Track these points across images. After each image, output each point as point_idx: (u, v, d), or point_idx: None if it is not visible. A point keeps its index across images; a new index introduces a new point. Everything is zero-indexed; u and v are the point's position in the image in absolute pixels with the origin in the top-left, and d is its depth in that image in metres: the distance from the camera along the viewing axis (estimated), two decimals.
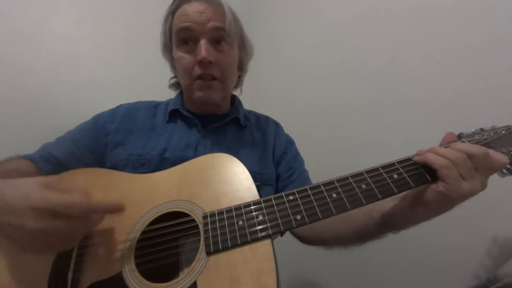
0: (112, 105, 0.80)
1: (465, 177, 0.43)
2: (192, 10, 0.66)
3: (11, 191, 0.42)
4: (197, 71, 0.66)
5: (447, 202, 0.45)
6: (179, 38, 0.69)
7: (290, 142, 0.84)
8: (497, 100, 0.76)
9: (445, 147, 0.48)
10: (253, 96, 1.83)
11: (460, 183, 0.43)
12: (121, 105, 0.79)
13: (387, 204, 0.54)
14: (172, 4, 0.71)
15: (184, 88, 0.75)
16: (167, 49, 0.76)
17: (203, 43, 0.65)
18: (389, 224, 0.54)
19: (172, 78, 0.84)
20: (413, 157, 0.49)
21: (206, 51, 0.64)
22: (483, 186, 0.45)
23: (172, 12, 0.71)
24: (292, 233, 0.71)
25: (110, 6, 1.37)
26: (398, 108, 1.00)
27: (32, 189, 0.41)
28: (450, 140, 0.51)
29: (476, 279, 0.73)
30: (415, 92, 0.95)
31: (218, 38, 0.68)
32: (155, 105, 0.80)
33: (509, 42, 0.75)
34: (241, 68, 0.80)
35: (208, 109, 0.77)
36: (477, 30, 0.81)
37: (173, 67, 0.78)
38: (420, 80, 0.94)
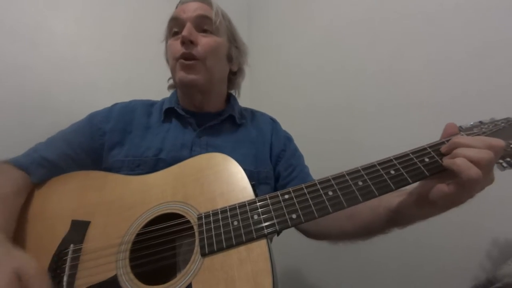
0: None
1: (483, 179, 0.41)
2: (184, 6, 0.72)
3: None
4: (181, 50, 0.68)
5: (456, 203, 0.44)
6: (169, 28, 0.74)
7: (288, 139, 0.84)
8: (497, 100, 0.74)
9: (447, 140, 0.47)
10: (254, 96, 1.82)
11: (476, 189, 0.42)
12: (116, 103, 0.78)
13: (394, 200, 0.53)
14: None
15: (171, 73, 0.76)
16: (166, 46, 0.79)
17: (187, 25, 0.68)
18: (396, 220, 0.54)
19: (170, 78, 0.83)
20: (411, 153, 0.48)
21: (187, 30, 0.67)
22: (492, 181, 0.44)
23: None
24: (297, 228, 0.70)
25: (110, 6, 1.36)
26: (398, 109, 0.99)
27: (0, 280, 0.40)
28: (451, 131, 0.50)
29: (476, 280, 0.72)
30: (415, 93, 0.94)
31: (203, 26, 0.71)
32: (151, 104, 0.80)
33: (509, 42, 0.74)
34: (230, 60, 0.79)
35: (195, 96, 0.75)
36: (477, 30, 0.80)
37: (167, 59, 0.79)
38: (420, 81, 0.93)
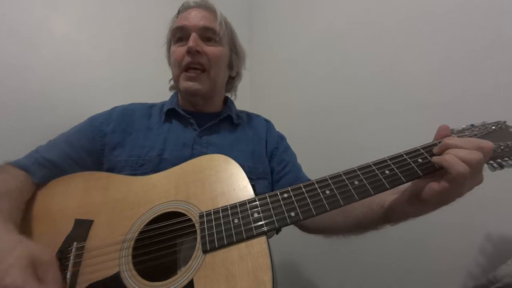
0: (112, 105, 0.81)
1: (472, 178, 0.44)
2: (188, 14, 0.74)
3: None
4: (186, 60, 0.71)
5: (446, 201, 0.47)
6: (174, 36, 0.76)
7: (281, 137, 0.88)
8: (497, 101, 0.75)
9: (439, 142, 0.48)
10: (254, 97, 1.83)
11: (464, 186, 0.44)
12: (116, 107, 0.80)
13: (387, 197, 0.55)
14: (175, 16, 0.79)
15: (174, 80, 0.79)
16: (168, 50, 0.81)
17: (193, 35, 0.70)
18: (388, 217, 0.56)
19: (171, 79, 0.85)
20: (405, 154, 0.50)
21: (193, 41, 0.70)
22: (481, 181, 0.46)
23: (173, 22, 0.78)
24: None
25: (110, 6, 1.37)
26: (397, 109, 1.00)
27: (15, 266, 0.40)
28: (443, 133, 0.52)
29: (475, 280, 0.73)
30: (415, 93, 0.95)
31: (208, 36, 0.73)
32: (150, 106, 0.82)
33: (509, 42, 0.74)
34: (231, 67, 0.82)
35: (197, 102, 0.78)
36: (477, 30, 0.80)
37: (170, 64, 0.81)
38: (420, 81, 0.94)
